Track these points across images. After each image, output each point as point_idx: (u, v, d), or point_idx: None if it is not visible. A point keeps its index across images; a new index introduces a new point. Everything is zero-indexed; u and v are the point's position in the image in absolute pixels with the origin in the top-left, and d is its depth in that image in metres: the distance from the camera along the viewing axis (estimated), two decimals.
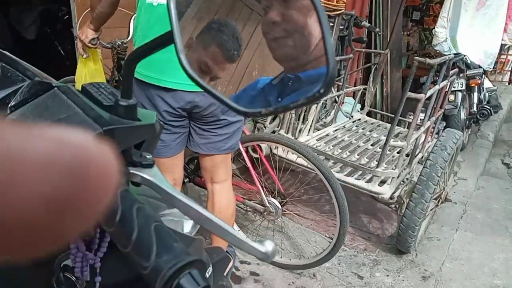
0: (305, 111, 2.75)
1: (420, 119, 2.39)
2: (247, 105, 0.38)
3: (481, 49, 4.68)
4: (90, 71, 1.95)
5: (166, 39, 0.40)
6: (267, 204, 2.05)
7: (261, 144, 2.29)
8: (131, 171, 0.46)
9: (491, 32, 4.80)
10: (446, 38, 4.25)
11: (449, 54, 3.79)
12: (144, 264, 0.37)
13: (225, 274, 1.45)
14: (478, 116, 4.05)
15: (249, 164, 2.05)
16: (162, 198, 0.45)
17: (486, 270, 2.30)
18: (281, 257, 2.20)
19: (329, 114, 3.35)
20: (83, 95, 0.49)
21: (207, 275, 0.86)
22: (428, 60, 1.85)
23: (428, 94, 2.05)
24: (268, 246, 0.46)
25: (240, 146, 2.01)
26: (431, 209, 2.40)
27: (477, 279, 2.21)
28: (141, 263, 0.38)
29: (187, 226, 0.78)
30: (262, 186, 2.06)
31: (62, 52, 4.04)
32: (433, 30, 4.29)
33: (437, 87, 2.20)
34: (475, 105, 4.02)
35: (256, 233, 2.35)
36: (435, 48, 4.43)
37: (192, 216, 0.45)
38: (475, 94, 4.02)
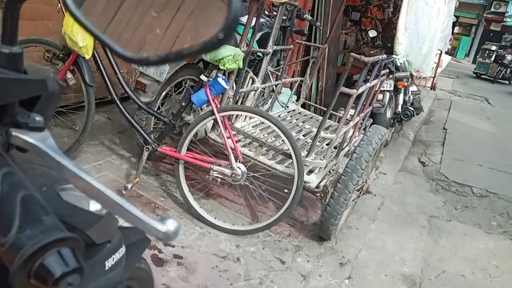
0: (243, 97, 2.75)
1: (350, 115, 2.51)
2: (136, 51, 0.33)
3: (425, 56, 4.83)
4: None
5: None
6: (236, 168, 2.16)
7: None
8: (13, 133, 0.39)
9: (435, 39, 4.98)
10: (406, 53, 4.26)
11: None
12: (1, 239, 0.31)
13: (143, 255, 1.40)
14: (402, 116, 4.35)
15: (223, 131, 2.16)
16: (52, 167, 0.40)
17: (397, 258, 2.49)
18: (233, 224, 2.31)
19: (266, 103, 3.38)
20: None
21: (118, 256, 0.80)
22: (363, 58, 1.94)
23: (360, 90, 2.15)
24: (169, 225, 0.42)
25: (217, 115, 2.14)
26: (353, 200, 2.54)
27: (389, 267, 2.39)
28: None
29: (95, 204, 0.73)
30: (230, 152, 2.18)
31: None
32: (395, 39, 4.20)
33: (368, 84, 2.31)
34: (400, 106, 4.30)
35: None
36: (397, 57, 4.17)
37: (83, 189, 0.40)
38: (401, 95, 4.30)
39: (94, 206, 0.78)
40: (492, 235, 3.05)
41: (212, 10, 0.31)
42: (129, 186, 2.30)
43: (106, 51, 2.35)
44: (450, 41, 6.99)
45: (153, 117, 2.55)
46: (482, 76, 14.67)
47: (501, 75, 14.15)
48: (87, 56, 2.19)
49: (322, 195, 2.46)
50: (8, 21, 0.39)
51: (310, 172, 2.35)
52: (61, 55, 2.28)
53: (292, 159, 2.16)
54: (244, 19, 2.20)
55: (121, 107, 2.39)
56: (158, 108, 2.63)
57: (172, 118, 2.38)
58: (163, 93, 2.58)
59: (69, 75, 2.33)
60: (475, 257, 2.69)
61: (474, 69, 15.25)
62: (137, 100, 2.39)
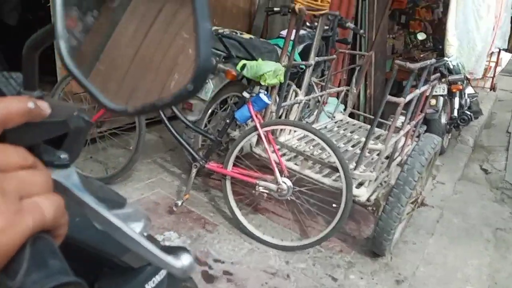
0: (287, 111, 2.74)
1: (401, 122, 2.41)
2: (116, 103, 0.34)
3: (478, 57, 4.56)
4: None
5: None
6: (281, 182, 2.14)
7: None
8: None
9: (487, 38, 4.71)
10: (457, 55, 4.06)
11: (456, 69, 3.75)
12: (8, 283, 0.31)
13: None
14: (458, 121, 4.10)
15: (266, 146, 2.16)
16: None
17: (459, 275, 2.32)
18: (282, 240, 2.28)
19: (312, 114, 3.34)
20: None
21: (159, 278, 0.81)
22: (408, 64, 1.85)
23: (408, 98, 2.05)
24: (184, 260, 0.43)
25: (260, 130, 2.14)
26: (408, 213, 2.41)
27: (450, 285, 2.23)
28: (6, 282, 0.31)
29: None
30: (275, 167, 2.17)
31: None
32: (445, 40, 4.05)
33: (417, 91, 2.20)
34: (456, 110, 4.06)
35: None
36: (449, 60, 3.98)
37: (103, 226, 0.41)
38: (457, 99, 4.06)
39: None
40: None
41: (183, 60, 0.31)
42: (179, 202, 2.36)
43: None
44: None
45: (201, 135, 2.60)
46: None
47: None
48: None
49: (374, 208, 2.37)
50: (28, 67, 0.41)
51: (360, 185, 2.27)
52: None
53: (339, 172, 2.10)
54: (284, 32, 2.20)
55: (169, 126, 2.47)
56: (205, 126, 2.69)
57: (217, 135, 2.42)
58: (209, 111, 2.63)
59: None
60: None
61: None
62: (183, 119, 2.45)
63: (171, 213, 2.42)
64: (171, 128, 2.48)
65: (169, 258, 0.44)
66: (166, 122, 2.48)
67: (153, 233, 2.22)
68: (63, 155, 0.44)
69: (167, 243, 2.17)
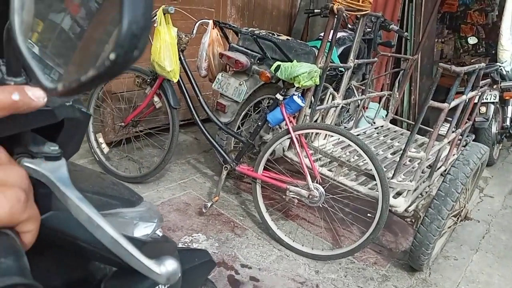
0: (323, 115, 2.65)
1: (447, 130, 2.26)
2: (55, 82, 0.31)
3: None
4: (165, 44, 2.17)
5: None
6: (312, 188, 2.07)
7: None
8: (24, 163, 0.38)
9: None
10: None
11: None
12: None
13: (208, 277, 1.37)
14: (511, 131, 3.82)
15: (298, 150, 2.09)
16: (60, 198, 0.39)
17: None
18: (313, 249, 2.20)
19: (352, 119, 3.23)
20: None
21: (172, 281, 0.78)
22: (453, 68, 1.72)
23: (453, 104, 1.91)
24: (168, 266, 0.38)
25: (292, 134, 2.08)
26: (449, 227, 2.26)
27: None
28: None
29: (142, 229, 0.71)
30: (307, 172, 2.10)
31: None
32: (498, 45, 3.78)
33: (464, 97, 2.05)
34: (508, 119, 3.79)
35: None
36: (502, 65, 3.73)
37: (85, 223, 0.38)
38: (510, 107, 3.78)
39: (140, 232, 0.77)
40: None
41: (111, 28, 0.26)
42: (209, 204, 2.34)
43: (189, 75, 2.45)
44: None
45: (233, 137, 2.57)
46: None
47: None
48: (175, 80, 2.30)
49: (413, 220, 2.23)
50: (11, 52, 0.38)
51: (398, 194, 2.14)
52: (148, 80, 2.44)
53: (375, 180, 1.99)
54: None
55: (202, 127, 2.47)
56: (238, 128, 2.66)
57: (249, 137, 2.38)
58: (243, 113, 2.60)
59: (156, 98, 2.47)
60: None
61: None
62: (216, 121, 2.44)
63: (201, 215, 2.41)
64: (204, 129, 2.48)
65: (149, 263, 0.41)
66: (199, 122, 2.48)
67: (182, 234, 2.22)
68: (53, 147, 0.42)
69: (194, 245, 2.15)
